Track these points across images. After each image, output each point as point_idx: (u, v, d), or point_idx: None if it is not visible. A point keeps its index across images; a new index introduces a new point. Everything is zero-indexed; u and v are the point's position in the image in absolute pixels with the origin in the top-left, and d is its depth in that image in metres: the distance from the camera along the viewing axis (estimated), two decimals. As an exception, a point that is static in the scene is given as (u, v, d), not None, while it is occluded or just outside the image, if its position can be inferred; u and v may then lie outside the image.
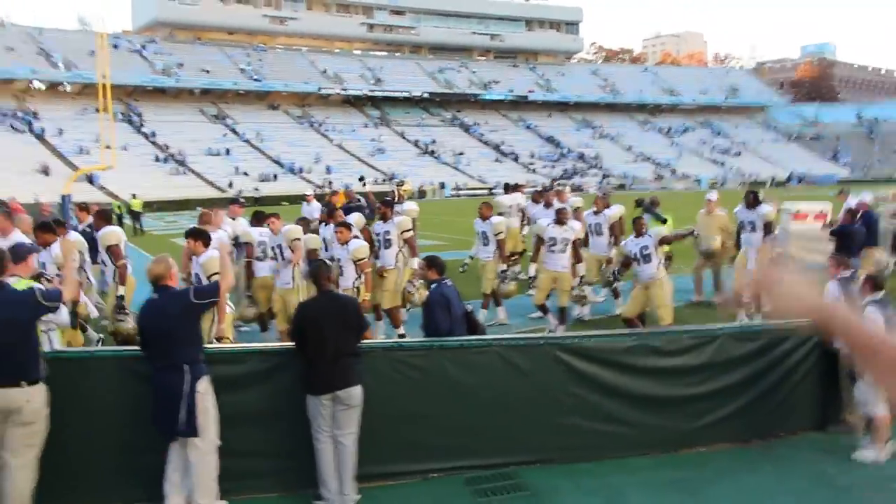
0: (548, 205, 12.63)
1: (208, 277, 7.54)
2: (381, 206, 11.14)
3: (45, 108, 70.44)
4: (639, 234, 9.76)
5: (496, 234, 11.32)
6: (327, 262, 7.34)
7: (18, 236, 8.67)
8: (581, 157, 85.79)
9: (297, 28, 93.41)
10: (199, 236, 8.07)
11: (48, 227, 8.54)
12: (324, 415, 5.64)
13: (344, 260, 9.37)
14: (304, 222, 10.42)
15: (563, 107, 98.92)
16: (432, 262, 7.16)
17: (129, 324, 8.32)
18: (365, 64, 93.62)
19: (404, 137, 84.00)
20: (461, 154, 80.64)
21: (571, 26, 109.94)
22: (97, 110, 53.97)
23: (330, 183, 58.44)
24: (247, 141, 74.45)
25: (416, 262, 10.46)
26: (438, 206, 46.18)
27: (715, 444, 6.79)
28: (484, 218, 11.57)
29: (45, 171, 57.77)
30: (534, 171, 77.61)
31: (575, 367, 6.53)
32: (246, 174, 65.48)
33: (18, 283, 5.72)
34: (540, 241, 10.80)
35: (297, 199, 49.75)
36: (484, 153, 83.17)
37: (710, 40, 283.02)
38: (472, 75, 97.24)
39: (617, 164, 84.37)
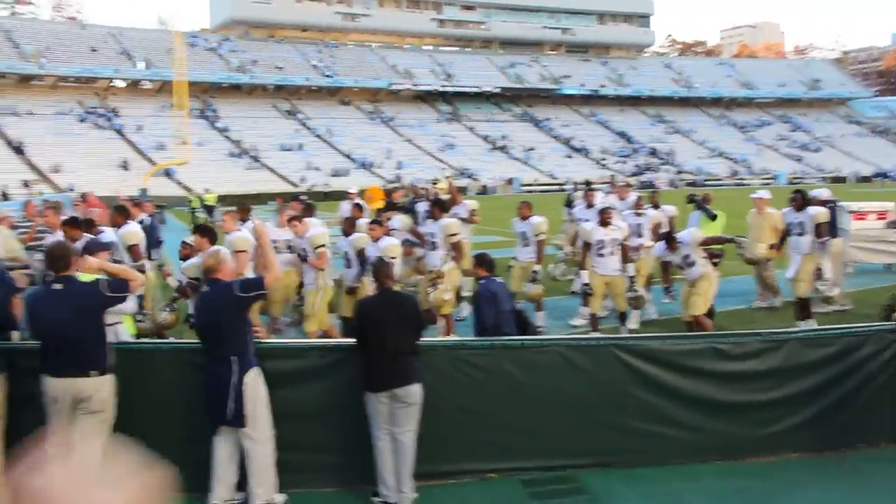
0: (590, 205, 11.99)
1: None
2: (431, 205, 10.88)
3: (125, 105, 72.69)
4: (673, 251, 9.46)
5: (536, 235, 10.91)
6: (387, 259, 7.33)
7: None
8: (653, 152, 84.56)
9: (368, 24, 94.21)
10: (206, 233, 8.15)
11: (75, 222, 8.49)
12: (382, 412, 5.64)
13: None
14: (349, 223, 10.28)
15: (635, 101, 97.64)
16: (481, 260, 7.09)
17: (147, 324, 8.39)
18: (435, 59, 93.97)
19: (475, 132, 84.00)
20: (532, 149, 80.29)
21: (643, 19, 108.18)
22: (173, 106, 55.41)
23: (399, 178, 58.81)
24: (318, 136, 75.44)
25: (447, 266, 10.21)
26: (507, 201, 45.93)
27: (783, 453, 6.53)
28: (523, 217, 11.11)
29: (125, 166, 59.60)
30: (605, 166, 76.87)
31: (637, 368, 6.38)
32: (318, 169, 66.37)
33: (87, 277, 5.87)
34: (586, 245, 10.25)
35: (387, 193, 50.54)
36: (555, 148, 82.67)
37: (791, 30, 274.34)
38: (543, 70, 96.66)
39: (690, 159, 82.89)
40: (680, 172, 77.77)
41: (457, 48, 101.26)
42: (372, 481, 5.77)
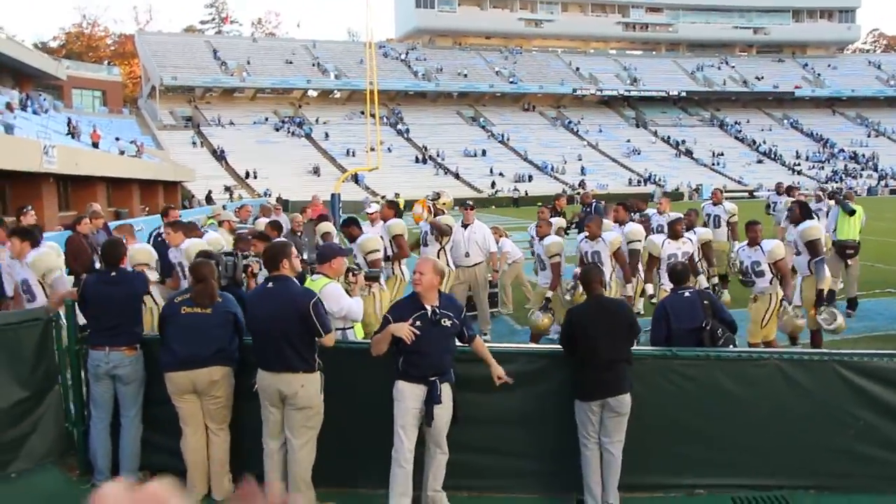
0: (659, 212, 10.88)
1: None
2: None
3: (317, 114, 76.41)
4: (752, 243, 8.43)
5: (550, 257, 9.49)
6: (595, 266, 7.14)
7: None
8: (853, 157, 79.25)
9: (552, 30, 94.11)
10: (26, 236, 7.40)
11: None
12: (592, 421, 5.54)
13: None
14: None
15: (833, 102, 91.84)
16: (669, 272, 6.75)
17: None
18: (620, 63, 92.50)
19: (660, 137, 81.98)
20: (720, 155, 77.37)
21: (846, 14, 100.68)
22: (362, 113, 57.50)
23: (583, 183, 58.30)
24: (502, 142, 76.07)
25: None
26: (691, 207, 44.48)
27: None
28: (541, 237, 9.81)
29: (317, 172, 62.56)
30: (799, 172, 72.89)
31: (862, 387, 5.90)
32: (501, 175, 66.98)
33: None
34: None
35: (552, 200, 50.25)
36: (744, 154, 79.31)
37: None
38: (733, 71, 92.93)
39: (896, 164, 76.95)
40: (882, 178, 72.47)
41: (642, 51, 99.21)
42: (574, 488, 5.69)
